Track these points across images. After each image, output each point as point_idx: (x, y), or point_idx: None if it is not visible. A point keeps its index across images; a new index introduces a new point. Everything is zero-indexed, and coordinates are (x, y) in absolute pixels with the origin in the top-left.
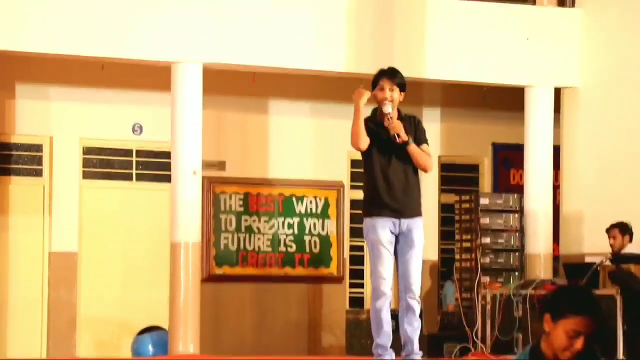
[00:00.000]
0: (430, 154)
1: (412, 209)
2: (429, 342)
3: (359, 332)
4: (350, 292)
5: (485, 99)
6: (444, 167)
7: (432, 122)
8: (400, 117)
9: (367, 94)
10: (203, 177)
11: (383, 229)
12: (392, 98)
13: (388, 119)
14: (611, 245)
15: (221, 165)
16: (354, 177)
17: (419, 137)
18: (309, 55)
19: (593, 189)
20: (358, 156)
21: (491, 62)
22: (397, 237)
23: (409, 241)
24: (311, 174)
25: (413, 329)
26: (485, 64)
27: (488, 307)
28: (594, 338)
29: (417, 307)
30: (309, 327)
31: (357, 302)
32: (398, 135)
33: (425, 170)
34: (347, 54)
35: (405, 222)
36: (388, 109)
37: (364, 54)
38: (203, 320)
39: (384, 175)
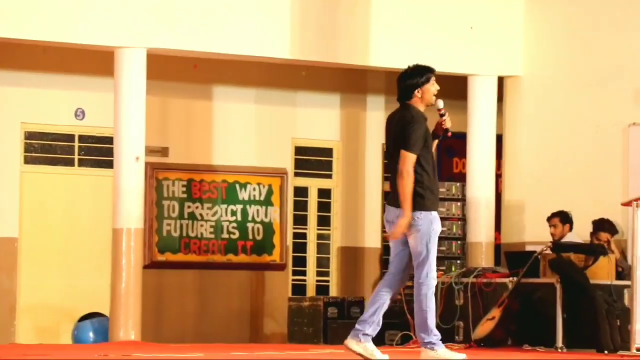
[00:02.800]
0: None
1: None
2: None
3: (301, 320)
4: (292, 280)
5: None
6: (387, 155)
7: (376, 110)
8: None
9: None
10: (146, 163)
11: (439, 222)
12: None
13: (442, 114)
14: (552, 234)
15: (164, 151)
16: (298, 164)
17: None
18: (253, 41)
19: (535, 177)
20: (302, 143)
21: (435, 51)
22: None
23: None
24: (255, 161)
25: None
26: (429, 52)
27: None
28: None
29: None
30: (251, 314)
31: (299, 289)
32: (449, 129)
33: None
34: (292, 40)
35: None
36: (441, 104)
37: (309, 41)
38: (144, 306)
39: (434, 171)
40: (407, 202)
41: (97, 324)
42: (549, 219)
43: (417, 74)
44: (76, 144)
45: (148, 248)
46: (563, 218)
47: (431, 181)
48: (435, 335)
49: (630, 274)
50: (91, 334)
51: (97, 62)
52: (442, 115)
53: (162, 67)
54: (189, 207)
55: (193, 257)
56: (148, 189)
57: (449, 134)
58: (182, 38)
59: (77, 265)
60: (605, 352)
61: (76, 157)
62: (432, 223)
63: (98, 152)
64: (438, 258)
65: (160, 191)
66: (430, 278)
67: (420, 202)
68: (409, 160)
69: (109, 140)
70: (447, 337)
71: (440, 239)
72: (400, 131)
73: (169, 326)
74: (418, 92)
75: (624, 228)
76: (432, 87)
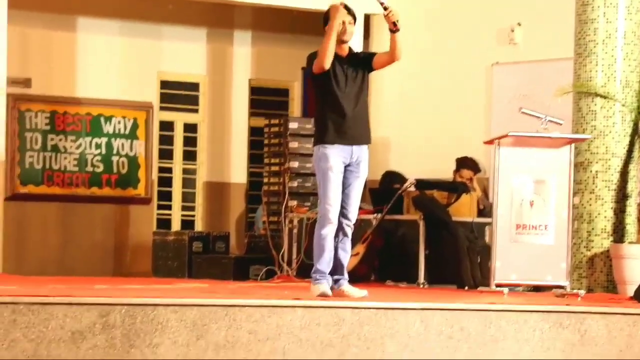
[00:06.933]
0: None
1: (363, 137)
2: (235, 265)
3: (165, 254)
4: (157, 214)
5: (294, 23)
6: (254, 91)
7: (243, 45)
8: (351, 52)
9: (343, 12)
10: (8, 95)
11: (335, 157)
12: (351, 31)
13: (385, 7)
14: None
15: (27, 82)
16: (163, 98)
17: (370, 54)
18: None
19: (399, 116)
20: (168, 77)
21: None
22: (345, 167)
23: (356, 171)
24: (120, 94)
25: (346, 254)
26: None
27: (295, 230)
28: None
29: (350, 234)
30: (115, 248)
31: (164, 224)
32: (396, 23)
33: (398, 58)
34: None
35: (356, 152)
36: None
37: None
38: (6, 239)
39: (339, 104)
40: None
41: None
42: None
43: (326, 13)
44: None
45: (10, 180)
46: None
47: (328, 115)
48: (315, 272)
49: (491, 211)
50: None
51: None
52: (385, 9)
53: None
54: (52, 139)
55: (56, 190)
56: (10, 120)
57: (397, 27)
58: None
59: None
60: (466, 288)
61: None
62: (319, 159)
63: None
64: (303, 194)
65: (23, 123)
66: (320, 215)
67: (314, 137)
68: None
69: None
70: None
71: (306, 175)
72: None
73: (31, 259)
74: (327, 28)
75: (486, 166)
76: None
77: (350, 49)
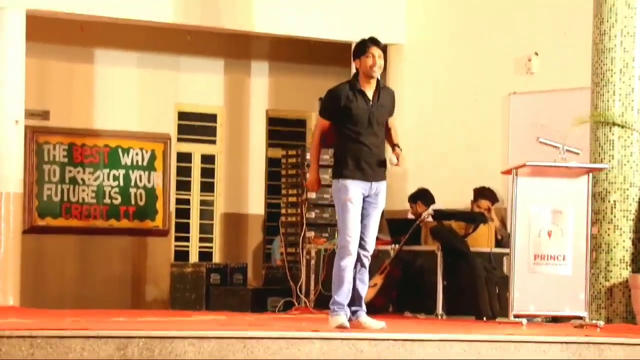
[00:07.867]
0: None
1: (381, 173)
2: (252, 297)
3: (183, 286)
4: (175, 246)
5: (311, 54)
6: (272, 122)
7: (260, 76)
8: (379, 86)
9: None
10: (26, 127)
11: (354, 190)
12: (380, 65)
13: (395, 164)
14: (413, 213)
15: (45, 115)
16: (181, 129)
17: (392, 110)
18: (136, 4)
19: (417, 146)
20: (186, 109)
21: (318, 17)
22: (364, 197)
23: (374, 202)
24: (138, 125)
25: (364, 285)
26: (312, 18)
27: (312, 261)
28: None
29: (368, 265)
30: (133, 280)
31: (182, 255)
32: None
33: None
34: (175, 4)
35: (375, 185)
36: (394, 160)
37: (192, 5)
38: (24, 272)
39: (357, 141)
40: (311, 164)
41: None
42: (409, 202)
43: (356, 47)
44: None
45: (28, 213)
46: (424, 200)
47: (347, 150)
48: (333, 304)
49: (509, 242)
50: None
51: None
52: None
53: (43, 29)
54: (70, 171)
55: (74, 222)
56: (28, 152)
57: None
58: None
59: None
60: (484, 318)
61: None
62: (339, 191)
63: None
64: (321, 225)
65: (41, 155)
66: (340, 247)
67: (333, 170)
68: (316, 124)
69: None
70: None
71: (323, 206)
72: None
73: (49, 291)
74: (356, 63)
75: (503, 196)
76: (368, 58)
77: (378, 82)
